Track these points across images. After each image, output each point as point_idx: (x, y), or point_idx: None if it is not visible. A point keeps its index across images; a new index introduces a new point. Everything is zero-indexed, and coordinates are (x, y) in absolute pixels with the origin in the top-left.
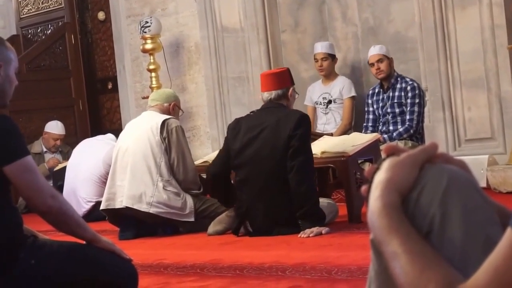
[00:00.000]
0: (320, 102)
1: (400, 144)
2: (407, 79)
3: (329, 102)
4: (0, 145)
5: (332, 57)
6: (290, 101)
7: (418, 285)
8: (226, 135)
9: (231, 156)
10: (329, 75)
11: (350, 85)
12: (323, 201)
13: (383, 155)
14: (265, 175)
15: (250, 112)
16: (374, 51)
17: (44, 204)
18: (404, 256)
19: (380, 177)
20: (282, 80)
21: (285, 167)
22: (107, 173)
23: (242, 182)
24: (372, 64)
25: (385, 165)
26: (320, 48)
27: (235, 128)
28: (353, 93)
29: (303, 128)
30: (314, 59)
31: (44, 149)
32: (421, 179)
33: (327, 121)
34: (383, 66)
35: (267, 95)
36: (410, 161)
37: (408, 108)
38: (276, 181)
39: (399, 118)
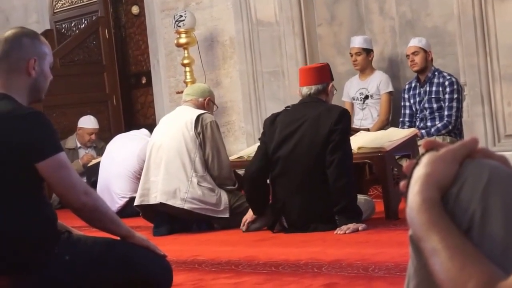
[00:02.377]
0: (357, 98)
1: (439, 139)
2: (445, 74)
3: (366, 97)
4: (33, 141)
5: (367, 52)
6: (329, 96)
7: (458, 281)
8: (262, 130)
9: (269, 152)
10: (365, 69)
11: (388, 80)
12: (360, 198)
13: (421, 150)
14: (302, 169)
15: (287, 107)
16: (412, 43)
17: (77, 201)
18: (444, 252)
19: (419, 172)
20: (322, 75)
21: (323, 161)
22: (141, 169)
23: (279, 176)
24: (408, 56)
25: (425, 160)
26: (354, 42)
27: (273, 123)
28: (390, 89)
29: (345, 123)
30: (350, 53)
31: (78, 145)
32: (461, 174)
33: (364, 116)
34: (417, 59)
35: (306, 90)
36: (450, 156)
37: (447, 104)
38: (314, 176)
39: (437, 114)
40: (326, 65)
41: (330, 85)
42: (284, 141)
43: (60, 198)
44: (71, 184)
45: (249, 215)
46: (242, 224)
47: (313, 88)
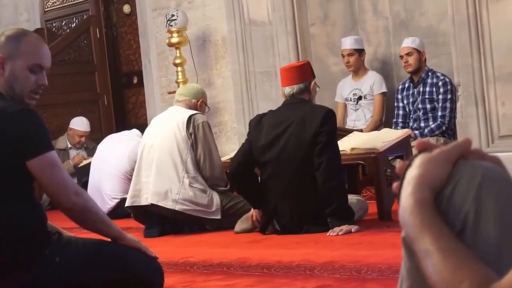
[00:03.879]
0: (350, 99)
1: (432, 140)
2: (438, 74)
3: (359, 98)
4: (24, 139)
5: (359, 52)
6: (312, 94)
7: (451, 283)
8: (248, 131)
9: (256, 154)
10: (358, 70)
11: (381, 81)
12: (352, 197)
13: (414, 151)
14: (292, 171)
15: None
16: (405, 43)
17: (68, 201)
18: (437, 254)
19: (412, 173)
20: (304, 73)
21: (311, 164)
22: (133, 170)
23: (268, 179)
24: (401, 57)
25: (417, 161)
26: (345, 44)
27: (258, 124)
28: (384, 89)
29: (330, 124)
30: (341, 55)
31: (69, 145)
32: (454, 175)
33: (357, 117)
34: (411, 59)
35: (289, 90)
36: (443, 157)
37: (440, 104)
38: (303, 178)
39: (430, 115)
40: (307, 62)
41: (313, 83)
42: (272, 144)
43: (51, 197)
44: (62, 183)
45: (255, 212)
46: (254, 224)
47: (295, 87)
